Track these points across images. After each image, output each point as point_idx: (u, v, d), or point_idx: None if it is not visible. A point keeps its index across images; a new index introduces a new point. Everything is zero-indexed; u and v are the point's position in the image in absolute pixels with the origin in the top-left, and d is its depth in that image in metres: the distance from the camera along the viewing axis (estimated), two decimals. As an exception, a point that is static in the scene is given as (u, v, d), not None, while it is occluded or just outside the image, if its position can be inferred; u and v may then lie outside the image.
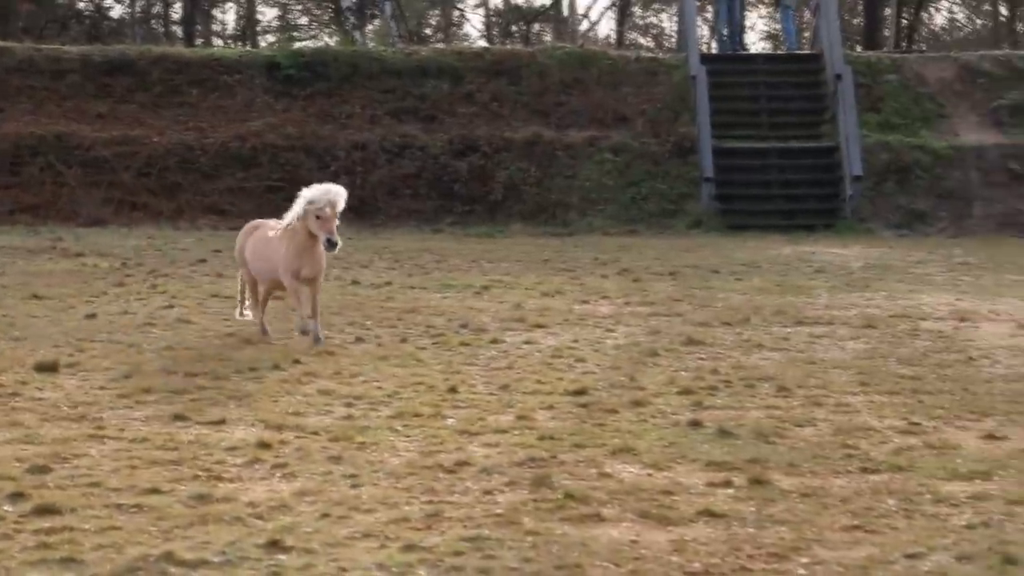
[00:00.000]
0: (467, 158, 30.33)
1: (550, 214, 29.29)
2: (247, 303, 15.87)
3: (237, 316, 16.05)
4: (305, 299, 14.90)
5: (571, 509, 8.73)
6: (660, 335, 15.60)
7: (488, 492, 9.13)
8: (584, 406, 11.89)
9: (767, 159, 29.67)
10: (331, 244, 14.33)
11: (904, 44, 43.40)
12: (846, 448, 10.36)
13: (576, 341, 15.20)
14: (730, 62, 32.77)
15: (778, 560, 7.73)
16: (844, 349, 14.79)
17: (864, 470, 9.72)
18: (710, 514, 8.62)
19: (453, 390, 12.47)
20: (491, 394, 12.41)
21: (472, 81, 31.76)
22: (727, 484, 9.32)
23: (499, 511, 8.67)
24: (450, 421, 11.27)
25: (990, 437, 10.69)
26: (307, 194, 14.51)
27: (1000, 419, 11.29)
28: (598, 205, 29.43)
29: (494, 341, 15.22)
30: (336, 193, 14.46)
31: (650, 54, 36.41)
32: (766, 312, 17.31)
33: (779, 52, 42.65)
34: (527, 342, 15.18)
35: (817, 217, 28.70)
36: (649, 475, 9.60)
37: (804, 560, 7.72)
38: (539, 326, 16.25)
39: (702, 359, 14.17)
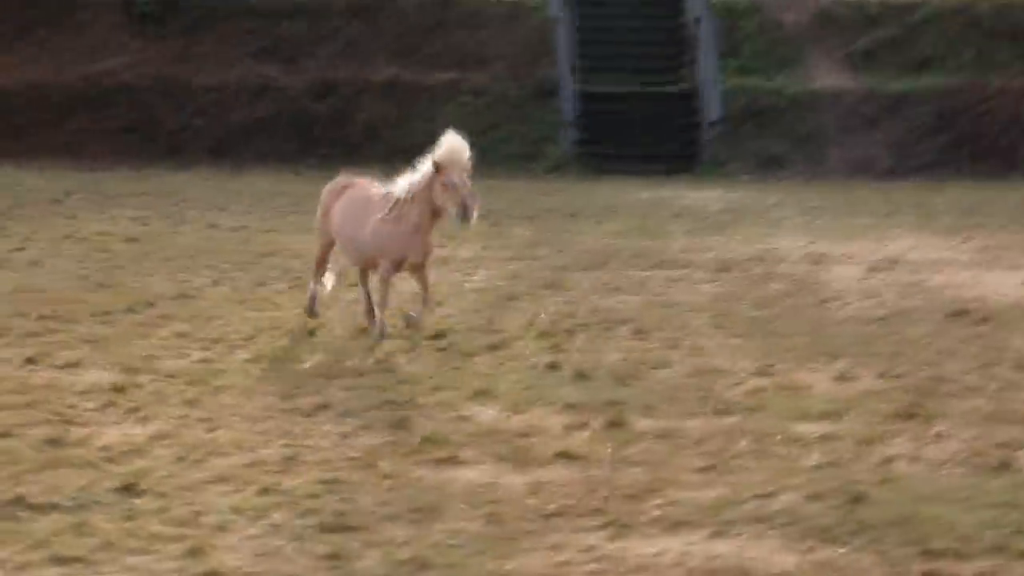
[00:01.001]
0: (326, 100, 30.09)
1: (410, 156, 29.08)
2: (325, 277, 13.04)
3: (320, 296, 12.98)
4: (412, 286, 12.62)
5: (428, 452, 8.75)
6: (519, 279, 15.65)
7: (346, 436, 9.12)
8: (443, 350, 11.90)
9: (627, 103, 29.77)
10: (466, 216, 11.74)
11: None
12: (701, 390, 10.49)
13: (436, 285, 15.16)
14: (591, 6, 32.76)
15: (633, 501, 7.81)
16: (700, 292, 14.96)
17: (718, 411, 9.86)
18: (567, 456, 8.69)
19: (312, 334, 12.41)
20: (350, 338, 12.37)
21: (331, 22, 31.47)
22: (584, 426, 9.40)
23: (356, 454, 8.67)
24: (308, 365, 11.23)
25: (841, 378, 10.88)
26: (435, 156, 11.87)
27: (850, 361, 11.48)
28: (458, 148, 29.40)
29: (354, 285, 15.14)
30: (466, 152, 11.96)
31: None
32: (624, 256, 17.42)
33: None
34: (386, 285, 15.10)
35: (676, 161, 28.89)
36: (507, 418, 9.65)
37: (658, 501, 7.81)
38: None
39: (561, 302, 14.23)
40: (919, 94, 29.57)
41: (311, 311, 12.71)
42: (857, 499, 7.74)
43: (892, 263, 16.80)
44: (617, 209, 22.58)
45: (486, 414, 9.72)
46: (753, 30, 31.49)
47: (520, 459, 8.62)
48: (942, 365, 11.25)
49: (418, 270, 12.31)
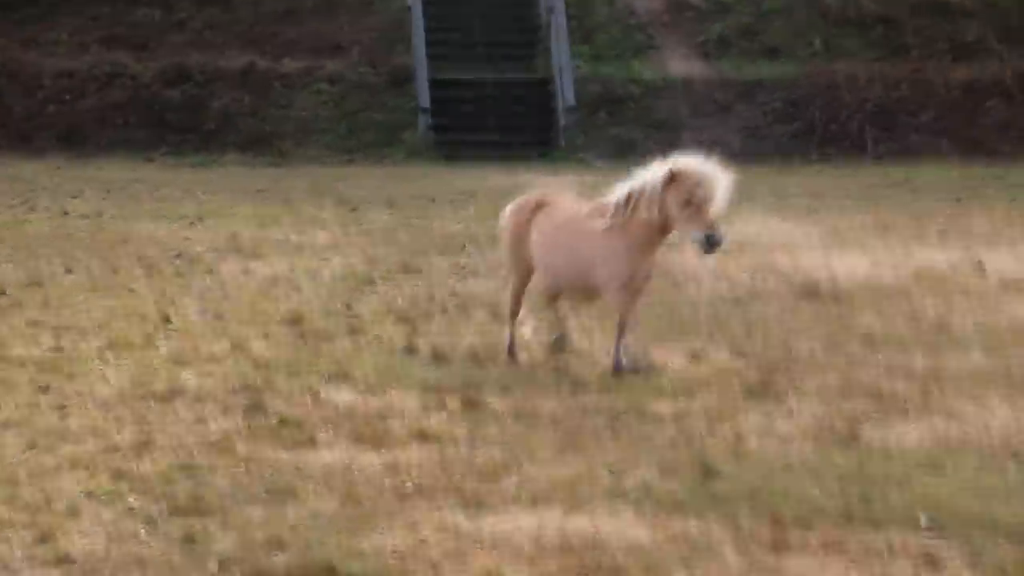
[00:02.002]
0: (180, 87, 29.77)
1: (266, 144, 28.96)
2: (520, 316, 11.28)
3: (521, 339, 11.30)
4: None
5: (285, 434, 8.74)
6: (377, 263, 15.63)
7: (201, 420, 9.08)
8: (300, 334, 11.87)
9: (483, 90, 29.83)
10: (712, 243, 9.91)
11: (616, -23, 44.08)
12: (557, 370, 10.58)
13: (293, 270, 15.12)
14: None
15: (489, 479, 7.87)
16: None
17: (574, 390, 9.94)
18: (423, 436, 8.72)
19: (166, 320, 12.31)
20: (205, 323, 12.29)
21: (183, 9, 31.15)
22: (441, 407, 9.44)
23: (212, 438, 8.63)
24: (163, 350, 11.14)
25: (694, 357, 11.02)
26: (673, 166, 10.13)
27: (704, 340, 11.64)
28: (314, 135, 29.23)
29: (209, 271, 15.05)
30: (716, 171, 10.13)
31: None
32: (481, 240, 17.45)
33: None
34: (243, 272, 15.04)
35: (532, 147, 28.98)
36: (364, 399, 9.66)
37: (514, 479, 7.88)
38: (255, 256, 16.11)
39: (418, 286, 14.25)
40: (770, 81, 29.99)
41: (511, 353, 10.95)
42: (709, 473, 7.87)
43: (743, 245, 17.02)
44: (474, 194, 22.61)
45: (343, 396, 9.73)
46: (606, 17, 31.72)
47: (377, 440, 8.64)
48: (793, 343, 11.44)
49: (636, 296, 10.49)
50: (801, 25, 31.52)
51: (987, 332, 11.73)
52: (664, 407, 9.47)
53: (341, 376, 10.25)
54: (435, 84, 29.48)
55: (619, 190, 10.30)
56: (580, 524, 7.16)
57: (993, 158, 27.62)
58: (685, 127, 29.63)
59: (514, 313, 11.08)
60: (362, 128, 29.32)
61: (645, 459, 8.22)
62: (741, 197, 22.91)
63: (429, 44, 29.91)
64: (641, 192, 10.08)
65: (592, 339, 11.55)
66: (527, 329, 11.26)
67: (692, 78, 30.30)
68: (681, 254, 16.26)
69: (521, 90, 30.35)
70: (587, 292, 10.71)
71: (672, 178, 9.92)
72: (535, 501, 7.50)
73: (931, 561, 6.61)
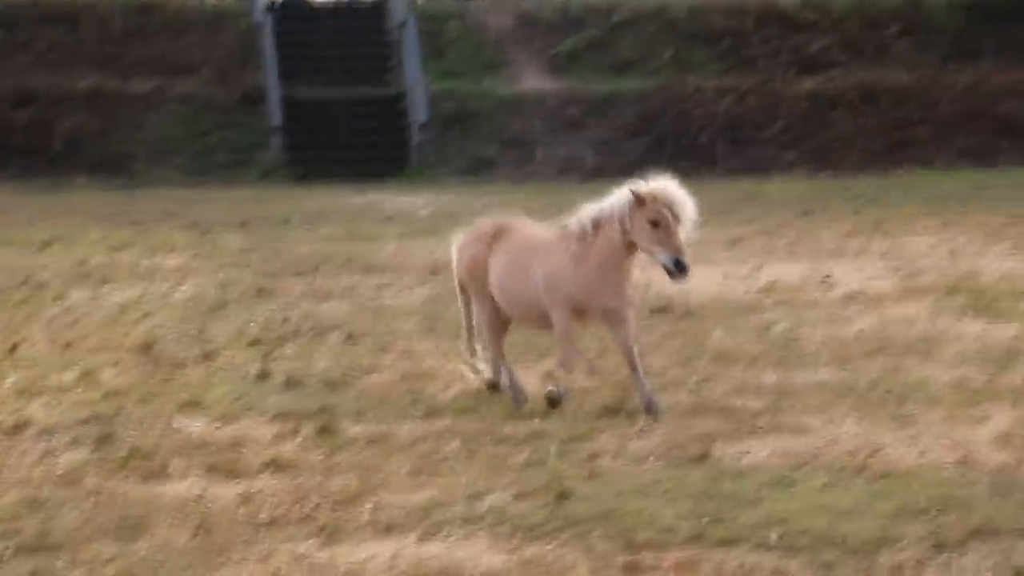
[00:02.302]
0: (24, 109, 29.32)
1: (115, 167, 28.62)
2: (479, 350, 10.80)
3: (471, 374, 10.80)
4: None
5: (136, 466, 8.63)
6: (230, 287, 15.51)
7: (49, 452, 8.93)
8: (151, 361, 11.73)
9: (335, 108, 29.74)
10: (681, 268, 9.59)
11: (467, -7, 44.26)
12: (412, 393, 10.56)
13: (143, 296, 14.95)
14: (296, 10, 32.66)
15: (344, 507, 7.83)
16: (410, 296, 15.03)
17: (429, 414, 9.94)
18: (277, 465, 8.66)
19: (13, 349, 12.10)
20: (54, 352, 12.09)
21: (27, 29, 30.68)
22: (295, 434, 9.39)
23: (60, 471, 8.49)
24: (9, 381, 10.93)
25: (549, 377, 11.03)
26: (642, 187, 9.73)
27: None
28: (165, 157, 28.94)
29: (57, 298, 14.82)
30: (684, 195, 9.79)
31: (215, 1, 35.89)
32: (335, 261, 17.41)
33: (345, 1, 42.70)
34: (93, 298, 14.85)
35: (385, 165, 28.97)
36: (217, 428, 9.57)
37: (369, 505, 7.85)
38: (105, 281, 15.91)
39: (272, 310, 14.15)
40: (621, 95, 30.26)
41: (518, 400, 10.24)
42: (563, 496, 7.90)
43: (598, 262, 17.15)
44: (328, 214, 22.55)
45: (195, 425, 9.63)
46: (458, 34, 31.82)
47: (230, 469, 8.56)
48: (646, 360, 11.50)
49: (616, 321, 9.99)
50: (651, 39, 31.86)
51: (834, 346, 11.93)
52: (519, 429, 9.48)
53: (194, 404, 10.15)
54: (287, 103, 29.37)
55: (584, 213, 10.01)
56: (435, 550, 7.15)
57: (839, 170, 28.14)
58: (538, 143, 29.80)
59: (497, 349, 10.53)
60: (214, 149, 29.09)
61: (500, 482, 8.23)
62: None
63: (280, 62, 29.78)
64: (612, 212, 9.81)
65: (447, 361, 11.56)
66: (482, 366, 10.68)
67: (544, 94, 30.49)
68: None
69: (374, 108, 30.35)
70: (536, 319, 10.34)
71: (641, 199, 9.65)
72: (390, 528, 7.48)
73: (781, 578, 6.71)
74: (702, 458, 8.68)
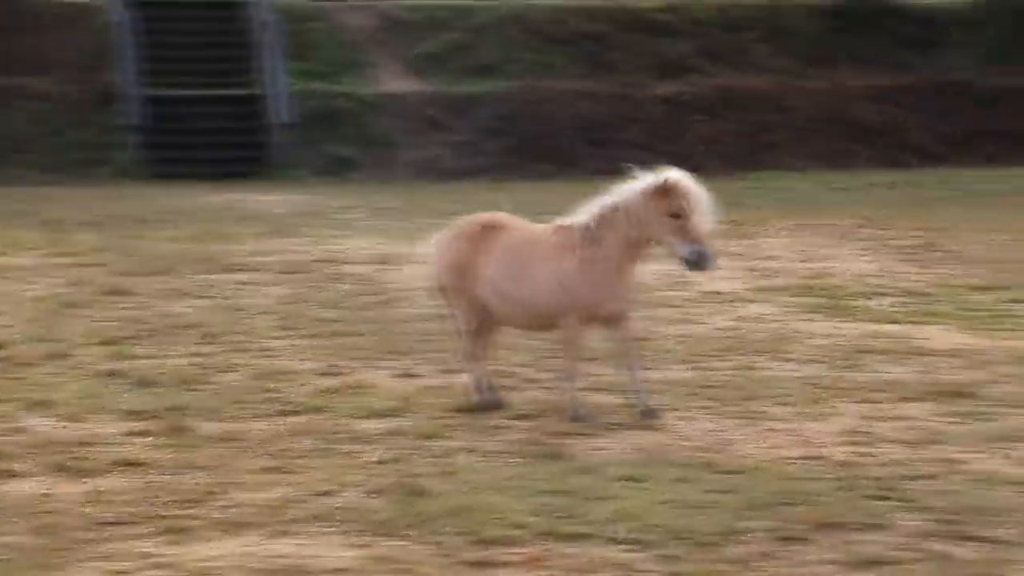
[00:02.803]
0: None
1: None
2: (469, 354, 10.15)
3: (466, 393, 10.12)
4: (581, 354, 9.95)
5: (-19, 466, 8.48)
6: (82, 286, 15.28)
7: None
8: (0, 361, 11.53)
9: (194, 107, 29.43)
10: (703, 259, 9.28)
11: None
12: (267, 392, 10.50)
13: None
14: (156, 7, 32.23)
15: (194, 505, 7.77)
16: (268, 295, 14.93)
17: (283, 412, 9.90)
18: (127, 463, 8.57)
19: None
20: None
21: None
22: (145, 433, 9.29)
23: (-96, 472, 8.33)
24: None
25: (404, 375, 11.06)
26: (663, 177, 9.38)
27: (415, 358, 11.70)
28: (18, 155, 28.43)
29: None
30: (700, 187, 9.47)
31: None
32: (192, 260, 17.23)
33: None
34: (-60, 297, 14.55)
35: (245, 164, 28.73)
36: (64, 427, 9.45)
37: (220, 503, 7.80)
38: (-48, 281, 15.61)
39: (125, 308, 13.99)
40: (482, 97, 30.33)
41: (491, 402, 9.90)
42: (416, 492, 7.90)
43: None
44: (186, 213, 22.30)
45: (43, 425, 9.49)
46: (320, 34, 31.67)
47: (78, 469, 8.45)
48: (505, 358, 11.54)
49: (618, 324, 9.67)
50: (512, 42, 31.97)
51: (688, 344, 12.06)
52: (374, 426, 9.48)
53: (42, 404, 10.00)
54: (145, 101, 29.01)
55: (589, 209, 9.61)
56: (286, 548, 7.12)
57: (699, 173, 28.28)
58: (400, 144, 29.76)
59: (474, 356, 10.01)
60: (69, 147, 28.64)
61: (353, 480, 8.21)
62: (455, 213, 23.17)
63: (139, 60, 29.41)
64: (622, 206, 9.43)
65: (303, 360, 11.52)
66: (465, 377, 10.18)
67: (406, 95, 30.45)
68: (395, 272, 16.35)
69: (234, 107, 30.06)
70: (545, 323, 9.83)
71: (663, 189, 9.29)
72: (240, 526, 7.43)
73: (629, 573, 6.76)
74: (555, 455, 8.73)
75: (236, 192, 25.78)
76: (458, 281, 9.90)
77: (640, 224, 9.34)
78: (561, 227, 9.72)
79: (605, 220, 9.45)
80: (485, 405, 9.84)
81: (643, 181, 9.41)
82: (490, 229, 9.92)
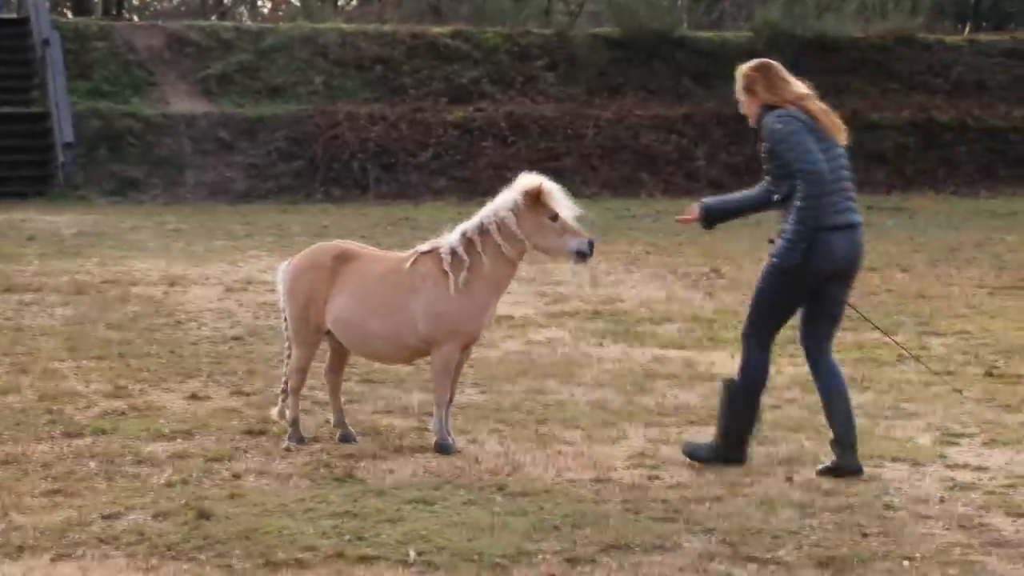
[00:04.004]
0: None
1: None
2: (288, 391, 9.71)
3: (276, 415, 9.83)
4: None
5: None
6: None
7: None
8: None
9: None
10: (591, 247, 9.16)
11: (114, 12, 43.39)
12: (50, 414, 10.29)
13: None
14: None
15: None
16: (53, 315, 14.64)
17: (67, 435, 9.70)
18: None
19: None
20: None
21: None
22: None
23: None
24: None
25: (194, 397, 10.93)
26: (530, 182, 9.23)
27: (204, 379, 11.58)
28: None
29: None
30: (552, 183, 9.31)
31: None
32: (-28, 280, 16.81)
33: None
34: None
35: (29, 184, 28.15)
36: None
37: (1, 527, 7.61)
38: None
39: (-99, 329, 13.59)
40: (273, 119, 30.17)
41: (297, 436, 9.54)
42: (204, 515, 7.80)
43: (247, 283, 17.03)
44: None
45: None
46: (105, 52, 31.20)
47: None
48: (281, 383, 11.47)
49: (468, 347, 9.58)
50: (302, 64, 31.90)
51: (480, 368, 12.12)
52: (161, 448, 9.35)
53: None
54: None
55: (453, 236, 9.30)
56: (68, 572, 6.98)
57: (487, 197, 28.51)
58: (188, 165, 29.44)
59: (297, 390, 9.63)
60: None
61: (139, 503, 8.09)
62: (245, 235, 23.04)
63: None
64: (493, 225, 9.21)
65: (89, 382, 11.31)
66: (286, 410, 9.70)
67: (195, 115, 30.13)
68: (184, 294, 16.14)
69: (17, 125, 29.45)
70: (417, 354, 9.58)
71: (537, 195, 9.12)
72: (21, 550, 7.26)
73: (419, 594, 6.79)
74: (346, 477, 8.70)
75: (20, 211, 25.24)
76: (302, 313, 9.48)
77: (524, 236, 9.19)
78: (424, 255, 9.41)
79: (473, 243, 9.25)
80: (295, 439, 9.52)
81: (510, 196, 9.24)
82: (342, 260, 9.48)
